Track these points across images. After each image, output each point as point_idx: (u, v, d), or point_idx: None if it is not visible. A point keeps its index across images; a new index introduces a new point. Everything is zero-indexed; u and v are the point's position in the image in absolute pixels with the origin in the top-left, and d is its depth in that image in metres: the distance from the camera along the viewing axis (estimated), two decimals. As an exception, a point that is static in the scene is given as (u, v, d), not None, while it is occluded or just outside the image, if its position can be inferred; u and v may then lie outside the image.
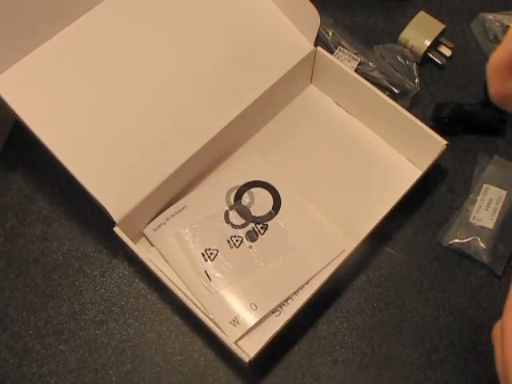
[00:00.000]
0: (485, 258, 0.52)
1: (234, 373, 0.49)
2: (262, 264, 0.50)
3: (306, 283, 0.49)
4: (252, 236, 0.51)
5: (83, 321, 0.50)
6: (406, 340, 0.50)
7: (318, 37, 0.56)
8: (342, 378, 0.49)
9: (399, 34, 0.62)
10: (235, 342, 0.46)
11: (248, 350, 0.45)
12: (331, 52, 0.59)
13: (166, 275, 0.47)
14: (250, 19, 0.56)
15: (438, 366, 0.49)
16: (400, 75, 0.59)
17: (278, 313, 0.48)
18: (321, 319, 0.51)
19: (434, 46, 0.62)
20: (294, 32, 0.56)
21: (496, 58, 0.32)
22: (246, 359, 0.44)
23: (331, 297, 0.51)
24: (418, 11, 0.62)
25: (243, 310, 0.48)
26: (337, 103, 0.59)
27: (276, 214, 0.52)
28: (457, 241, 0.53)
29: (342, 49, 0.60)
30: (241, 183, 0.54)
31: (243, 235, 0.51)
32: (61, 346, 0.50)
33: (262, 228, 0.52)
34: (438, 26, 0.61)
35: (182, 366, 0.49)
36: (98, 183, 0.48)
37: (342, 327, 0.50)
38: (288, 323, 0.46)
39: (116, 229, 0.48)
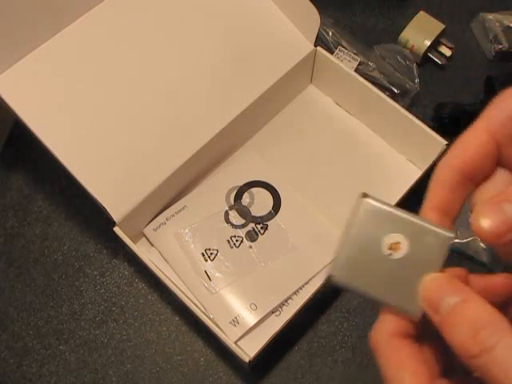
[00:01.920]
0: (485, 258, 0.52)
1: (233, 373, 0.49)
2: (262, 264, 0.50)
3: (306, 283, 0.49)
4: (252, 236, 0.51)
5: (83, 321, 0.50)
6: (406, 340, 0.50)
7: (317, 37, 0.56)
8: (342, 378, 0.49)
9: (399, 34, 0.62)
10: (235, 342, 0.46)
11: (248, 350, 0.45)
12: (331, 52, 0.59)
13: (166, 275, 0.47)
14: (250, 19, 0.56)
15: (438, 366, 0.49)
16: (400, 75, 0.59)
17: (278, 313, 0.48)
18: (321, 319, 0.51)
19: (434, 45, 0.62)
20: (294, 32, 0.56)
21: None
22: (246, 359, 0.44)
23: (331, 297, 0.51)
24: (418, 11, 0.62)
25: (243, 309, 0.48)
26: (337, 103, 0.59)
27: (276, 214, 0.52)
28: (457, 241, 0.53)
29: (342, 49, 0.60)
30: (241, 183, 0.54)
31: (243, 235, 0.51)
32: (61, 346, 0.50)
33: (262, 228, 0.52)
34: (438, 26, 0.61)
35: (182, 366, 0.49)
36: (98, 183, 0.48)
37: (341, 327, 0.50)
38: (288, 323, 0.46)
39: (116, 229, 0.48)
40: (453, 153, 0.28)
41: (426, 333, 0.26)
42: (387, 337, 0.27)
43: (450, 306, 0.23)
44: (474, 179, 0.28)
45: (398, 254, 0.26)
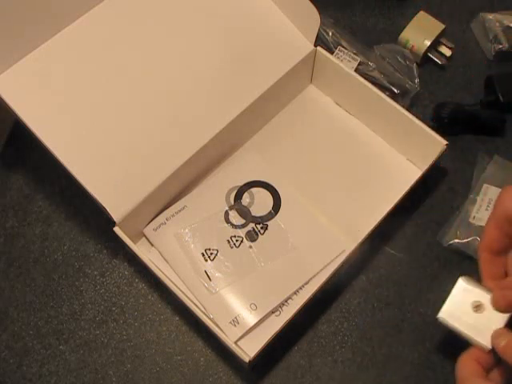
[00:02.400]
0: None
1: (233, 373, 0.49)
2: (262, 264, 0.50)
3: (306, 283, 0.49)
4: (252, 236, 0.51)
5: (83, 321, 0.50)
6: (405, 340, 0.50)
7: (317, 37, 0.56)
8: (342, 378, 0.49)
9: (399, 34, 0.62)
10: (235, 342, 0.46)
11: (248, 350, 0.45)
12: (331, 52, 0.59)
13: (166, 275, 0.47)
14: (250, 19, 0.56)
15: (437, 366, 0.49)
16: (400, 75, 0.59)
17: (278, 313, 0.48)
18: (321, 319, 0.51)
19: (434, 45, 0.62)
20: (294, 32, 0.56)
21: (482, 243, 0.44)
22: (246, 359, 0.44)
23: (331, 297, 0.51)
24: (418, 11, 0.62)
25: (243, 309, 0.48)
26: (337, 103, 0.59)
27: (276, 214, 0.52)
28: (457, 241, 0.53)
29: (342, 49, 0.60)
30: (241, 183, 0.54)
31: (243, 235, 0.51)
32: (61, 346, 0.50)
33: (261, 228, 0.52)
34: (438, 26, 0.61)
35: (182, 366, 0.49)
36: (98, 183, 0.48)
37: (342, 327, 0.50)
38: (288, 323, 0.46)
39: (116, 229, 0.48)
40: (481, 240, 0.44)
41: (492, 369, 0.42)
42: (468, 359, 0.42)
43: (505, 341, 0.40)
44: (500, 252, 0.44)
45: (479, 311, 0.43)
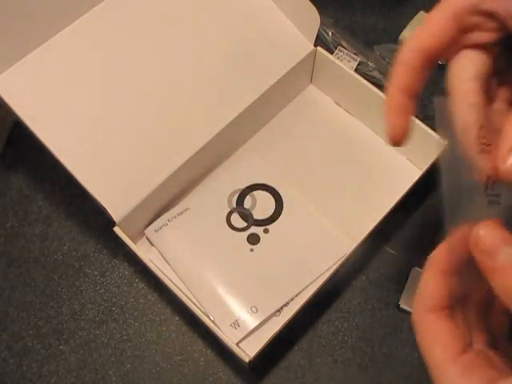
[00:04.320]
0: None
1: (234, 373, 0.49)
2: (263, 267, 0.50)
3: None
4: (254, 239, 0.51)
5: (83, 321, 0.50)
6: (405, 340, 0.50)
7: (317, 37, 0.56)
8: (342, 378, 0.49)
9: (399, 34, 0.62)
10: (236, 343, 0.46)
11: (248, 350, 0.45)
12: (331, 52, 0.59)
13: (166, 275, 0.47)
14: (249, 19, 0.56)
15: (437, 366, 0.49)
16: (400, 75, 0.59)
17: (278, 313, 0.48)
18: (321, 319, 0.51)
19: (434, 45, 0.62)
20: (294, 32, 0.56)
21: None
22: (246, 359, 0.44)
23: (331, 297, 0.51)
24: (418, 11, 0.62)
25: (244, 312, 0.47)
26: (337, 103, 0.59)
27: (278, 216, 0.52)
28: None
29: (342, 49, 0.60)
30: (243, 186, 0.54)
31: (245, 238, 0.51)
32: (61, 346, 0.50)
33: (263, 231, 0.52)
34: (438, 26, 0.61)
35: (182, 366, 0.49)
36: (98, 183, 0.48)
37: (342, 327, 0.50)
38: (288, 323, 0.46)
39: (116, 229, 0.48)
40: (417, 36, 0.31)
41: (462, 304, 0.29)
42: (422, 313, 0.28)
43: (508, 254, 0.24)
44: (436, 60, 0.32)
45: None
